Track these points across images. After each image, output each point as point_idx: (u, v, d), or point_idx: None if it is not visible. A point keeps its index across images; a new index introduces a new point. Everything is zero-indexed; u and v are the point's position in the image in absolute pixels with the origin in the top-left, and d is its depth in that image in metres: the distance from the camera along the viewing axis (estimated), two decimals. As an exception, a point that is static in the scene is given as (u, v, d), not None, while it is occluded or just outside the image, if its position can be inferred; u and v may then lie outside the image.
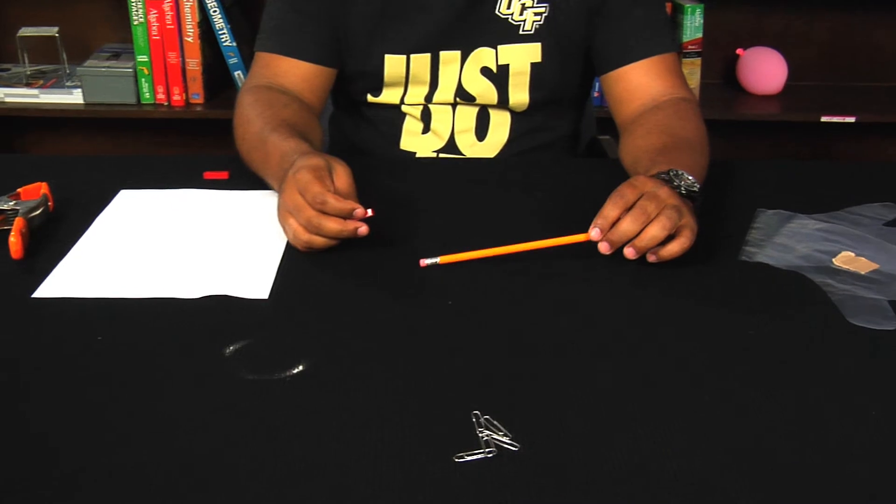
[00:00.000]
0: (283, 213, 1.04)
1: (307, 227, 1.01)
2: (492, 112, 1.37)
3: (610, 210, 1.01)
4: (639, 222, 0.99)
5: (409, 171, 1.30)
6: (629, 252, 1.01)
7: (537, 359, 0.86)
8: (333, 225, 1.01)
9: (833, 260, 1.05)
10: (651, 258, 1.02)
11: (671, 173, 1.07)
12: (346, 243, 1.03)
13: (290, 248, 1.05)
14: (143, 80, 2.30)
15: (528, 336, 0.90)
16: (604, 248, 1.02)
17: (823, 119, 2.34)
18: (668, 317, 0.94)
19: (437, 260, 1.02)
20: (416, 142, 1.39)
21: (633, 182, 1.04)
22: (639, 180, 1.04)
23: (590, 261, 1.03)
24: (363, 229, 1.01)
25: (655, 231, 0.99)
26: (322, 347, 0.88)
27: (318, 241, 1.02)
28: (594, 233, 1.01)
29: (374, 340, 0.89)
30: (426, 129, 1.39)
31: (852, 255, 1.05)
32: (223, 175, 1.24)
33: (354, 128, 1.45)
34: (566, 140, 1.47)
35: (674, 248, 1.01)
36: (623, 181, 1.06)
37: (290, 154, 1.09)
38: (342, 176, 1.04)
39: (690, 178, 1.07)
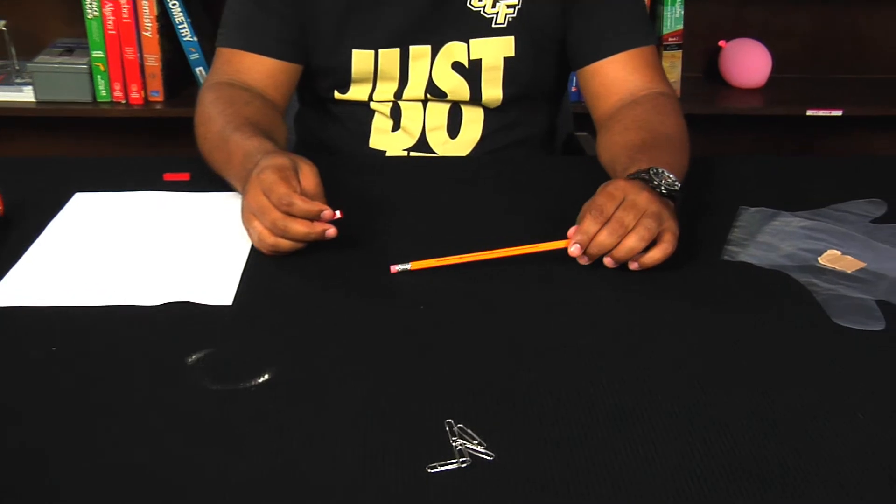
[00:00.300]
0: (248, 215, 1.04)
1: (272, 230, 1.02)
2: (464, 108, 1.38)
3: (589, 226, 1.02)
4: (616, 235, 1.00)
5: (378, 171, 1.30)
6: (608, 262, 1.02)
7: (513, 365, 0.86)
8: (300, 227, 1.01)
9: (818, 259, 1.05)
10: (633, 266, 1.02)
11: (651, 172, 1.07)
12: (314, 246, 1.03)
13: (254, 252, 1.05)
14: (98, 76, 2.29)
15: (503, 342, 0.90)
16: (583, 260, 1.03)
17: (809, 113, 2.36)
18: (650, 320, 0.95)
19: (409, 266, 1.02)
20: (386, 140, 1.40)
21: (611, 191, 1.04)
22: (617, 186, 1.04)
23: (568, 264, 1.03)
24: (331, 231, 1.01)
25: (632, 243, 1.00)
26: (289, 355, 0.88)
27: (285, 244, 1.02)
28: (574, 248, 1.02)
29: (344, 347, 0.89)
30: (396, 127, 1.39)
31: (838, 253, 1.06)
32: (184, 176, 1.24)
33: (321, 125, 1.45)
34: (542, 137, 1.47)
35: (655, 255, 1.02)
36: (601, 180, 1.06)
37: (254, 153, 1.09)
38: (309, 176, 1.04)
39: (671, 176, 1.07)
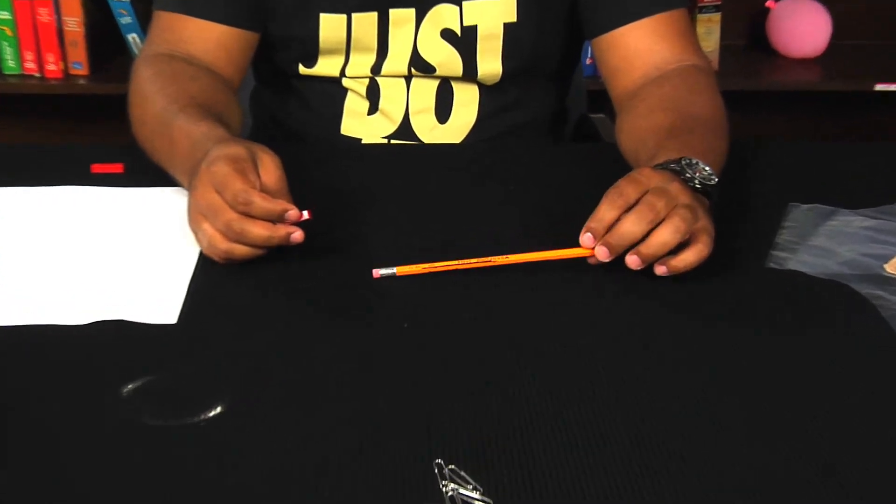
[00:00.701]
0: (196, 215, 1.05)
1: (226, 234, 1.02)
2: (456, 86, 1.39)
3: (606, 211, 1.02)
4: (645, 222, 1.00)
5: (352, 163, 1.31)
6: (633, 261, 1.01)
7: (512, 396, 0.86)
8: (260, 230, 1.01)
9: (884, 266, 1.06)
10: (660, 269, 1.02)
11: (682, 162, 1.07)
12: (276, 253, 1.04)
13: (204, 260, 1.06)
14: (4, 44, 2.28)
15: (500, 368, 0.91)
16: (601, 253, 1.01)
17: (877, 88, 2.37)
18: (677, 341, 0.95)
19: (394, 271, 1.04)
20: (362, 125, 1.41)
21: (636, 176, 1.04)
22: (642, 173, 1.04)
23: (579, 270, 1.04)
24: (297, 235, 1.02)
25: (666, 235, 1.00)
26: (246, 383, 0.88)
27: (241, 250, 1.03)
28: (586, 238, 1.02)
29: (313, 373, 0.90)
30: (373, 109, 1.41)
31: (909, 259, 1.10)
32: (117, 168, 1.25)
33: (282, 107, 1.47)
34: (549, 120, 1.49)
35: (689, 258, 1.02)
36: (622, 172, 1.06)
37: (203, 141, 1.10)
38: (270, 168, 1.04)
39: (706, 168, 1.08)
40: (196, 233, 1.06)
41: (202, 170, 1.04)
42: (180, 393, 0.87)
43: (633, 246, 1.01)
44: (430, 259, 1.05)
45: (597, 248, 1.02)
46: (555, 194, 1.24)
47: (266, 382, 0.89)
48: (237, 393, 0.87)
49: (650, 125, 1.22)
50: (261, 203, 1.00)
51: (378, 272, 1.04)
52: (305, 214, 1.02)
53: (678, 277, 1.02)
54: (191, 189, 1.06)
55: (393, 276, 1.04)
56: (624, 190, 1.02)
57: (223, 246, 1.03)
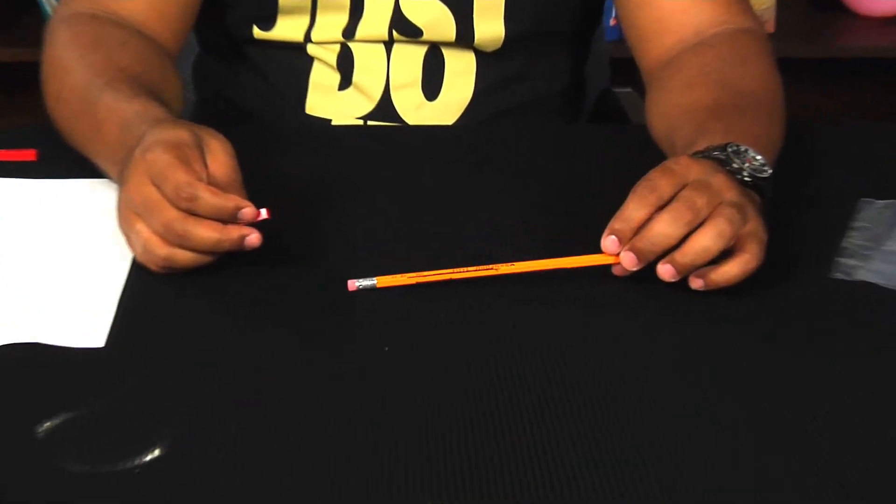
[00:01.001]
0: (128, 214, 1.04)
1: (166, 236, 1.02)
2: (448, 54, 1.41)
3: (634, 209, 1.02)
4: (681, 223, 1.00)
5: (320, 150, 1.33)
6: (666, 271, 1.01)
7: (510, 431, 0.87)
8: (207, 232, 1.01)
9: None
10: (696, 283, 1.03)
11: (729, 150, 1.08)
12: (227, 260, 1.05)
13: (138, 269, 1.06)
14: None
15: (496, 398, 0.91)
16: (628, 261, 1.01)
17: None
18: (721, 368, 0.95)
19: (374, 282, 1.04)
20: (331, 102, 1.44)
21: (671, 166, 1.04)
22: (679, 163, 1.04)
23: (596, 280, 1.05)
24: (253, 238, 1.02)
25: (707, 240, 0.99)
26: (190, 420, 0.88)
27: (183, 256, 1.03)
28: (609, 242, 1.02)
29: (271, 407, 0.90)
30: (346, 83, 1.43)
31: None
32: (28, 155, 1.26)
33: (233, 80, 1.50)
34: (563, 96, 1.52)
35: (732, 270, 1.02)
36: (653, 159, 1.07)
37: (136, 123, 1.10)
38: (219, 156, 1.04)
39: (758, 157, 1.08)
40: (128, 235, 1.05)
41: (136, 158, 1.04)
42: (110, 432, 0.87)
43: (666, 253, 1.01)
44: (417, 267, 1.05)
45: (623, 255, 1.01)
46: (570, 188, 1.24)
47: (214, 418, 0.89)
48: (180, 432, 0.87)
49: (688, 103, 1.23)
50: (209, 198, 1.00)
51: (354, 284, 1.04)
52: (263, 213, 1.02)
53: (719, 291, 1.03)
54: (122, 182, 1.06)
55: (372, 289, 1.04)
56: (657, 183, 1.02)
57: (162, 251, 1.02)
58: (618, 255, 1.02)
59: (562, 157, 1.33)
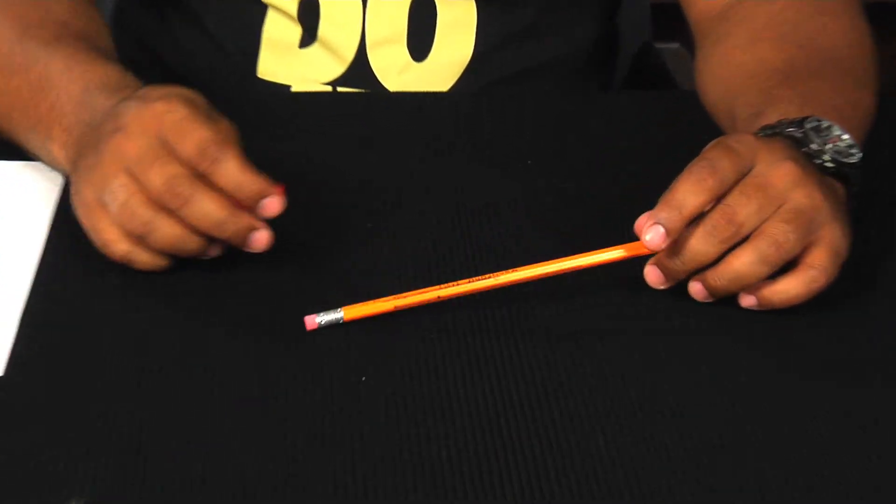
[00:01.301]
0: (112, 166, 1.03)
1: (162, 196, 1.00)
2: (441, 2, 1.40)
3: (688, 193, 0.99)
4: (716, 240, 1.00)
5: (276, 123, 1.31)
6: (697, 291, 1.02)
7: (509, 481, 0.88)
8: (214, 206, 1.00)
9: None
10: (747, 301, 1.02)
11: (808, 126, 1.05)
12: (166, 275, 1.05)
13: (46, 276, 1.06)
14: None
15: (497, 434, 0.91)
16: (653, 277, 1.02)
17: None
18: (770, 405, 0.96)
19: (341, 315, 1.01)
20: (290, 63, 1.43)
21: (733, 145, 1.01)
22: (742, 141, 1.02)
23: (629, 285, 1.05)
24: (262, 237, 1.02)
25: (743, 265, 1.00)
26: (115, 468, 0.86)
27: (165, 233, 1.02)
28: (652, 233, 1.00)
29: (222, 454, 0.88)
30: (310, 39, 1.42)
31: None
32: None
33: (164, 35, 1.50)
34: (590, 54, 1.50)
35: (794, 288, 1.01)
36: (703, 136, 1.06)
37: (110, 89, 1.11)
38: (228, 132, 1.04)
39: (844, 135, 1.06)
40: (103, 192, 1.03)
41: (135, 107, 1.03)
42: (10, 480, 0.86)
43: (702, 268, 1.02)
44: (397, 279, 1.05)
45: (647, 270, 1.03)
46: (597, 174, 1.22)
47: (142, 467, 0.87)
48: (102, 483, 0.85)
49: (753, 63, 1.22)
50: (236, 167, 1.00)
51: (314, 320, 1.01)
52: (277, 200, 1.02)
53: (785, 312, 1.03)
54: (102, 142, 1.04)
55: (339, 323, 1.02)
56: (717, 164, 1.00)
57: (145, 214, 1.01)
58: (659, 249, 1.01)
59: (587, 134, 1.31)
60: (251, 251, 1.01)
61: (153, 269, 1.04)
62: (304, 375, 0.98)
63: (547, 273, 1.04)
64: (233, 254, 1.07)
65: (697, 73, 1.32)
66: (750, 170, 1.01)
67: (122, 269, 1.05)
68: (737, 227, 0.98)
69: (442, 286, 1.03)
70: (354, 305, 1.02)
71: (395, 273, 1.08)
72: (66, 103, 1.12)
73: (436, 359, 1.00)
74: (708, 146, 1.03)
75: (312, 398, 0.96)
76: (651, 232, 1.00)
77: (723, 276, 1.00)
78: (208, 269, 1.07)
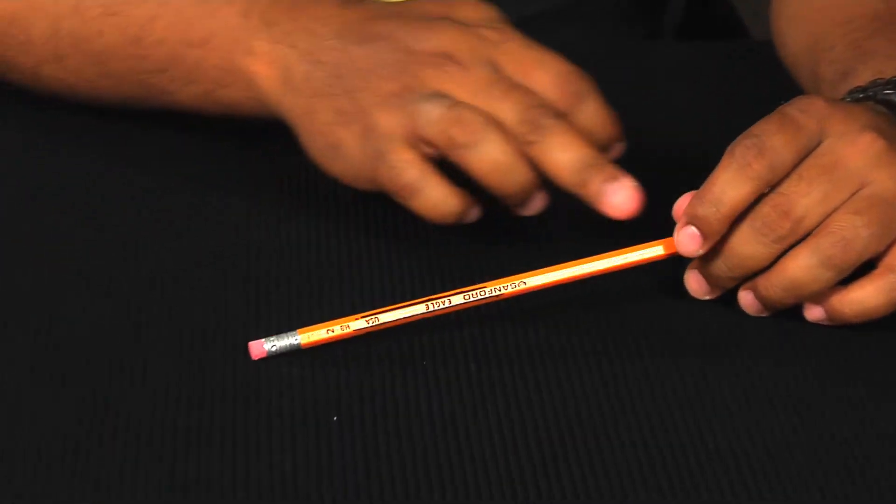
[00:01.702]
0: (431, 60, 1.01)
1: (518, 125, 0.96)
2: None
3: (728, 184, 0.91)
4: (768, 239, 0.91)
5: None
6: (748, 303, 0.94)
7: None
8: (581, 146, 0.96)
9: None
10: (813, 314, 0.93)
11: None
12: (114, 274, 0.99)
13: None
14: None
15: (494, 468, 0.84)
16: (695, 285, 0.95)
17: None
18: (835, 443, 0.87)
19: (298, 340, 0.91)
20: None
21: (794, 114, 0.92)
22: (810, 109, 0.92)
23: (664, 288, 0.98)
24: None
25: (800, 270, 0.91)
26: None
27: (485, 158, 0.97)
28: (685, 236, 0.92)
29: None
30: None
31: None
32: None
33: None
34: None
35: (872, 298, 0.92)
36: (784, 93, 0.99)
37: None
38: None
39: None
40: (415, 102, 0.99)
41: (447, 28, 1.02)
42: None
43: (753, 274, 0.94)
44: (388, 297, 0.98)
45: (687, 276, 0.96)
46: (641, 143, 1.09)
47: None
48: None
49: (841, 6, 1.15)
50: (602, 104, 0.99)
51: (262, 346, 0.92)
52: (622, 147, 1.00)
53: (868, 327, 0.95)
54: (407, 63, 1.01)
55: (295, 349, 0.92)
56: (767, 141, 0.91)
57: (477, 118, 0.97)
58: (695, 255, 0.94)
59: (630, 92, 1.20)
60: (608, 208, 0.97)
61: (440, 213, 1.00)
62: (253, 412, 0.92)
63: (560, 280, 0.97)
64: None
65: (772, 19, 1.26)
66: (817, 146, 0.93)
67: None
68: (793, 223, 0.91)
69: (430, 299, 0.97)
70: (312, 328, 0.95)
71: (373, 273, 1.06)
72: (269, 7, 1.09)
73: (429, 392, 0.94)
74: (776, 111, 0.96)
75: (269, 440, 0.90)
76: (685, 233, 0.94)
77: (776, 283, 0.93)
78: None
